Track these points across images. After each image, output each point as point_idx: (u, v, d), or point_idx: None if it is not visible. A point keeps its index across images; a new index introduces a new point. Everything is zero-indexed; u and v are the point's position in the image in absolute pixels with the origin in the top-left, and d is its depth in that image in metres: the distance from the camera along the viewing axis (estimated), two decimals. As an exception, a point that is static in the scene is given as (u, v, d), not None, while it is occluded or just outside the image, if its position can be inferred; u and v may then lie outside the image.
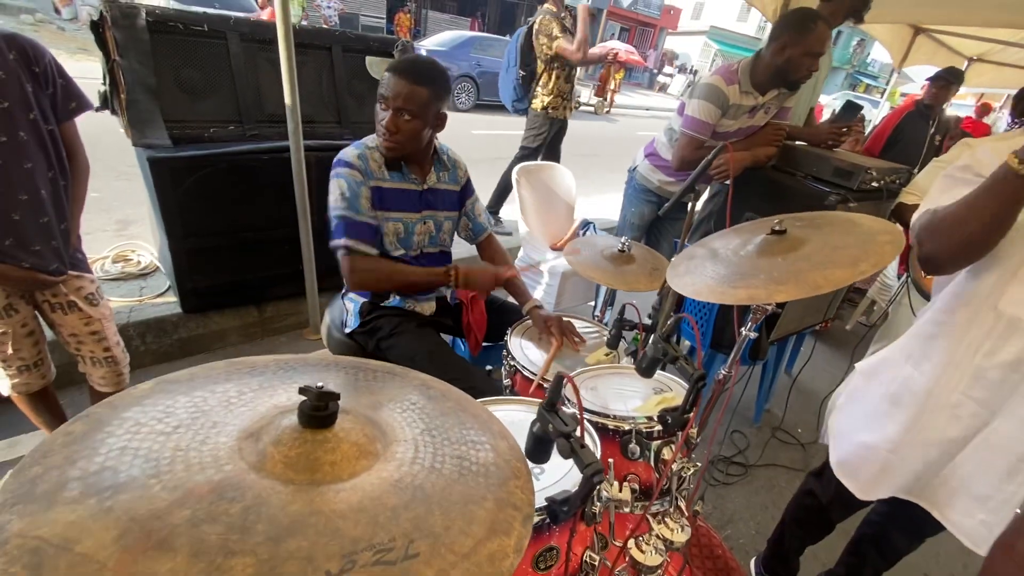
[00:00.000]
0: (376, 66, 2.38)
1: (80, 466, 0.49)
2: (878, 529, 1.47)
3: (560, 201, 2.89)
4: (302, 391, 0.56)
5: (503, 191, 3.68)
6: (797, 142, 2.25)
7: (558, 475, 0.86)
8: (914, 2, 3.46)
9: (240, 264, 2.19)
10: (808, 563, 1.82)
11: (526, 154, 3.51)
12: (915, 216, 1.07)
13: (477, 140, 7.99)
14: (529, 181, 2.73)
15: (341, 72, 2.28)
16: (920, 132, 3.40)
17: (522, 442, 0.73)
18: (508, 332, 1.53)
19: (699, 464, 1.02)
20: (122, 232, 3.18)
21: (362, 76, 2.36)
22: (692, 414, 0.93)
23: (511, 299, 1.69)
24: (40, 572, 0.39)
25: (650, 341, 0.99)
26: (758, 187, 2.15)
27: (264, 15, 7.17)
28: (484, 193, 3.69)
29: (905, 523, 1.36)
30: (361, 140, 1.45)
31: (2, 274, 1.20)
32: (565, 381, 0.69)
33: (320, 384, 0.56)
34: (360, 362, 0.79)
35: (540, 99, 3.39)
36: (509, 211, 3.84)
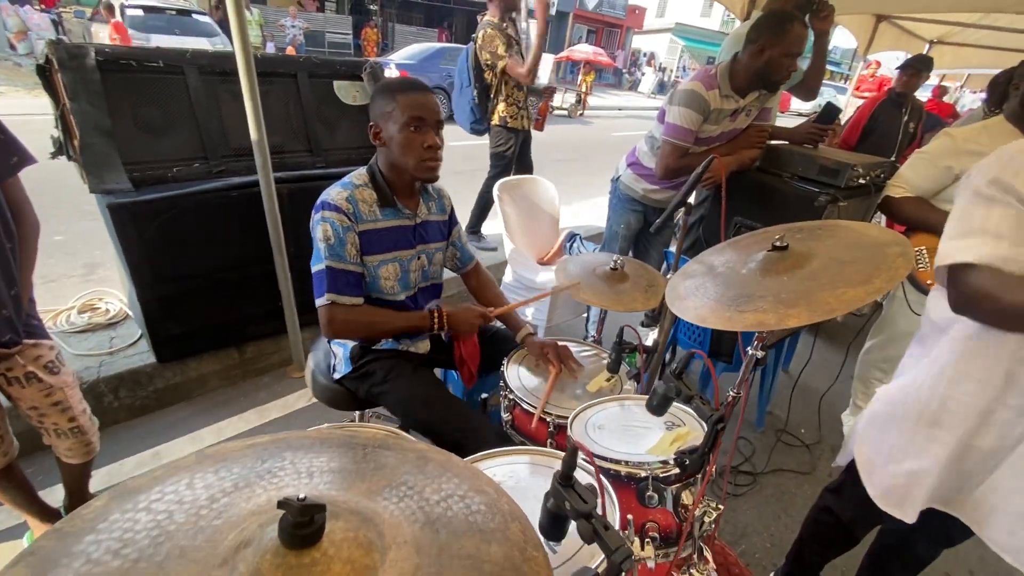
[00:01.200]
0: (345, 90, 2.30)
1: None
2: (900, 539, 1.43)
3: (544, 214, 2.83)
4: (281, 504, 0.48)
5: (483, 208, 3.61)
6: (778, 142, 2.22)
7: (573, 548, 0.78)
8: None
9: (215, 306, 2.08)
10: (826, 573, 1.77)
11: (498, 170, 3.42)
12: (955, 246, 0.96)
13: (452, 152, 7.88)
14: (512, 197, 2.67)
15: (309, 99, 2.19)
16: (894, 120, 3.42)
17: (528, 505, 0.67)
18: (504, 362, 1.47)
19: (722, 508, 0.95)
20: (89, 276, 3.04)
21: (330, 102, 2.27)
22: (714, 457, 0.87)
23: (504, 327, 1.62)
24: None
25: (658, 377, 0.93)
26: (744, 190, 2.11)
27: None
28: (465, 207, 3.62)
29: (932, 532, 1.31)
30: (346, 179, 1.36)
31: (-53, 352, 1.09)
32: (580, 452, 0.62)
33: (301, 496, 0.48)
34: (347, 437, 0.71)
35: (496, 113, 3.29)
36: (491, 226, 3.77)
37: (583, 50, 14.51)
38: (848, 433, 1.41)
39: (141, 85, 1.81)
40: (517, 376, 1.44)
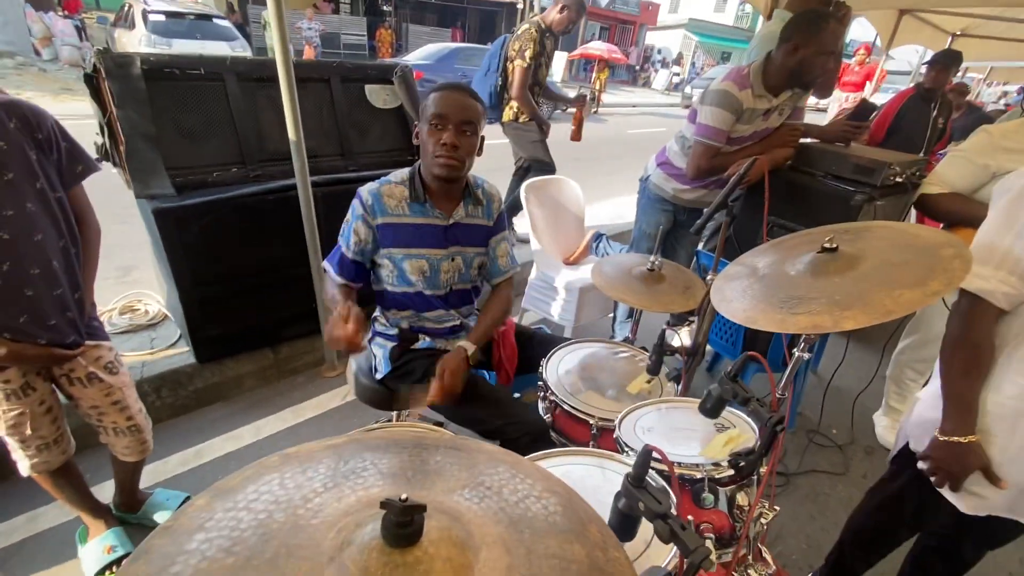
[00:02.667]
0: (375, 94, 2.33)
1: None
2: (944, 540, 1.41)
3: (570, 214, 2.84)
4: (383, 505, 0.50)
5: (511, 209, 3.61)
6: (810, 140, 2.21)
7: (639, 549, 0.80)
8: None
9: (252, 308, 2.13)
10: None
11: (540, 164, 3.39)
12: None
13: (491, 149, 7.94)
14: (538, 197, 2.68)
15: (341, 103, 2.23)
16: (923, 116, 3.36)
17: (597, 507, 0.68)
18: (543, 364, 1.48)
19: (778, 508, 0.96)
20: (124, 279, 3.12)
21: (362, 106, 2.30)
22: (772, 460, 0.88)
23: (543, 328, 1.63)
24: None
25: (715, 381, 0.94)
26: (777, 189, 2.09)
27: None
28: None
29: (979, 534, 1.30)
30: (387, 176, 1.42)
31: (19, 353, 1.13)
32: (654, 453, 0.63)
33: (403, 497, 0.50)
34: (417, 438, 0.74)
35: (508, 109, 3.28)
36: (520, 224, 3.79)
37: (597, 47, 14.43)
38: (900, 433, 1.39)
39: (183, 92, 1.86)
40: (557, 377, 1.46)
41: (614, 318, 2.70)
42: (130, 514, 1.64)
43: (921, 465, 1.16)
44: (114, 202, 2.49)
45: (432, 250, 1.43)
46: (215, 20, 9.51)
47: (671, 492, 0.65)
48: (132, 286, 2.87)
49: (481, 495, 0.63)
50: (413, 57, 10.63)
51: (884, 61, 6.49)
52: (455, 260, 1.47)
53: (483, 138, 1.41)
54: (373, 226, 1.37)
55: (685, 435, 1.07)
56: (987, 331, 1.04)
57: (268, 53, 9.45)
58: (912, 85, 3.57)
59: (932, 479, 1.14)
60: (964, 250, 0.98)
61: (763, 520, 0.93)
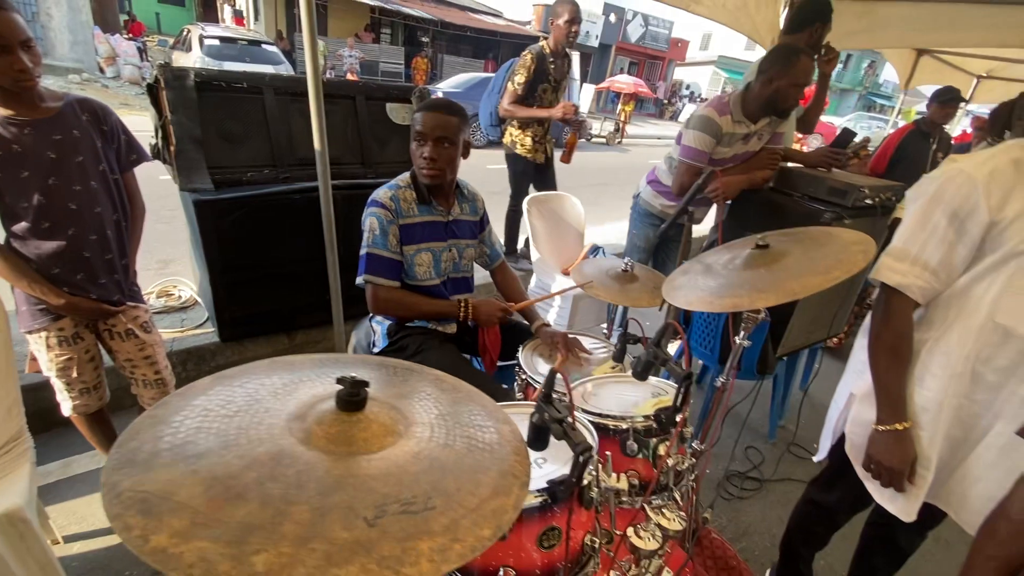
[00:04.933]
0: (396, 112, 2.59)
1: (167, 440, 0.61)
2: (883, 531, 1.50)
3: (570, 228, 3.03)
4: (339, 380, 0.68)
5: (509, 229, 3.71)
6: (794, 164, 2.37)
7: (559, 464, 0.95)
8: (909, 27, 3.60)
9: (273, 295, 2.36)
10: (825, 573, 1.84)
11: (512, 196, 3.49)
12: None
13: (492, 174, 8.21)
14: (540, 211, 2.88)
15: (364, 118, 2.49)
16: (923, 150, 3.47)
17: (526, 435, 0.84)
18: (520, 349, 1.65)
19: (694, 460, 1.10)
20: (163, 271, 3.42)
21: (383, 121, 2.57)
22: (684, 411, 1.03)
23: (524, 320, 1.81)
24: (148, 515, 0.51)
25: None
26: (757, 207, 2.25)
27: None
28: (499, 224, 3.82)
29: (913, 525, 1.37)
30: (393, 180, 1.63)
31: (75, 305, 1.37)
32: (558, 375, 0.80)
33: (353, 375, 0.68)
34: (384, 360, 0.92)
35: (508, 133, 3.34)
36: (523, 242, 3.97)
37: (624, 81, 14.87)
38: (826, 428, 1.51)
39: (227, 103, 2.14)
40: (531, 361, 1.63)
41: (606, 326, 2.84)
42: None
43: (863, 472, 1.25)
44: (160, 205, 2.80)
45: (435, 243, 1.66)
46: (263, 46, 10.24)
47: (570, 407, 0.80)
48: (169, 276, 3.16)
49: (422, 398, 0.81)
50: (445, 85, 11.18)
51: (901, 101, 6.59)
52: (452, 251, 1.70)
53: (468, 143, 1.62)
54: (398, 227, 1.58)
55: (625, 400, 1.22)
56: (906, 323, 1.16)
57: (310, 77, 10.11)
58: (913, 120, 3.69)
59: (877, 481, 1.21)
60: (870, 246, 1.13)
61: (679, 468, 1.07)
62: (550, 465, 0.95)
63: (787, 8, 3.46)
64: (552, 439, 0.80)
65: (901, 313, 1.14)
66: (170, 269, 3.44)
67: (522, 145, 3.31)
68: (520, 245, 3.92)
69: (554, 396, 0.80)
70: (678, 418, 1.03)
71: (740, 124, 2.08)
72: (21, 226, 1.29)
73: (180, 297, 2.61)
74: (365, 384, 0.68)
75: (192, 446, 0.61)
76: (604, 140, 13.70)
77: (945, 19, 3.43)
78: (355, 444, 0.64)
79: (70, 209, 1.33)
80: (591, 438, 0.98)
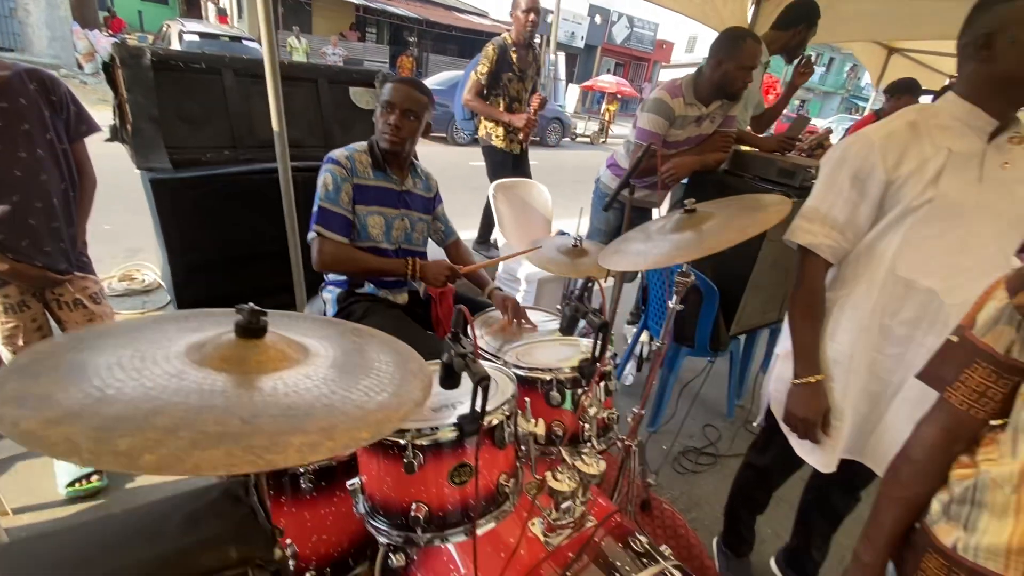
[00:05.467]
0: (360, 96, 2.62)
1: (65, 358, 0.64)
2: (818, 494, 1.56)
3: (537, 215, 3.07)
4: (237, 309, 0.71)
5: (486, 219, 3.76)
6: (748, 148, 2.43)
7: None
8: (870, 21, 3.70)
9: (234, 276, 2.37)
10: (773, 541, 1.89)
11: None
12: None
13: (474, 171, 8.27)
14: (506, 196, 2.92)
15: (327, 101, 2.51)
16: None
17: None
18: (472, 320, 1.68)
19: (616, 412, 1.14)
20: (131, 258, 3.41)
21: (346, 106, 2.59)
22: (603, 361, 1.07)
23: (481, 298, 1.84)
24: (25, 407, 0.53)
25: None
26: (711, 188, 2.30)
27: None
28: (476, 220, 3.86)
29: (841, 482, 1.42)
30: (351, 144, 1.70)
31: (20, 271, 1.38)
32: (463, 315, 0.84)
33: (251, 304, 0.71)
34: (303, 315, 0.95)
35: (483, 126, 3.37)
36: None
37: (607, 81, 15.01)
38: (763, 392, 1.56)
39: (185, 83, 2.15)
40: (481, 334, 1.66)
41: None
42: (104, 441, 1.84)
43: (784, 427, 1.31)
44: (131, 197, 2.79)
45: (387, 208, 1.71)
46: (244, 42, 10.19)
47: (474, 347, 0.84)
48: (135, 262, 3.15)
49: (333, 339, 0.84)
50: (429, 82, 11.18)
51: (873, 99, 6.74)
52: (404, 220, 1.76)
53: (429, 124, 1.71)
54: (352, 184, 1.64)
55: (556, 357, 1.26)
56: (818, 281, 1.22)
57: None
58: (871, 112, 3.78)
59: (793, 432, 1.29)
60: (784, 206, 1.18)
61: (600, 415, 1.11)
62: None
63: (754, 4, 3.56)
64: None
65: (814, 272, 1.20)
66: (139, 257, 3.42)
67: (496, 136, 3.36)
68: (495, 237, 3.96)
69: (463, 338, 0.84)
70: (597, 367, 1.07)
71: (692, 107, 2.14)
72: (-37, 192, 1.30)
73: (143, 280, 2.61)
74: (263, 313, 0.71)
75: (84, 365, 0.63)
76: (588, 139, 13.81)
77: (905, 12, 3.53)
78: (248, 365, 0.67)
79: (15, 176, 1.34)
80: (510, 386, 1.02)
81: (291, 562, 0.87)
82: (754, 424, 2.52)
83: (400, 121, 1.60)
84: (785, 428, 1.31)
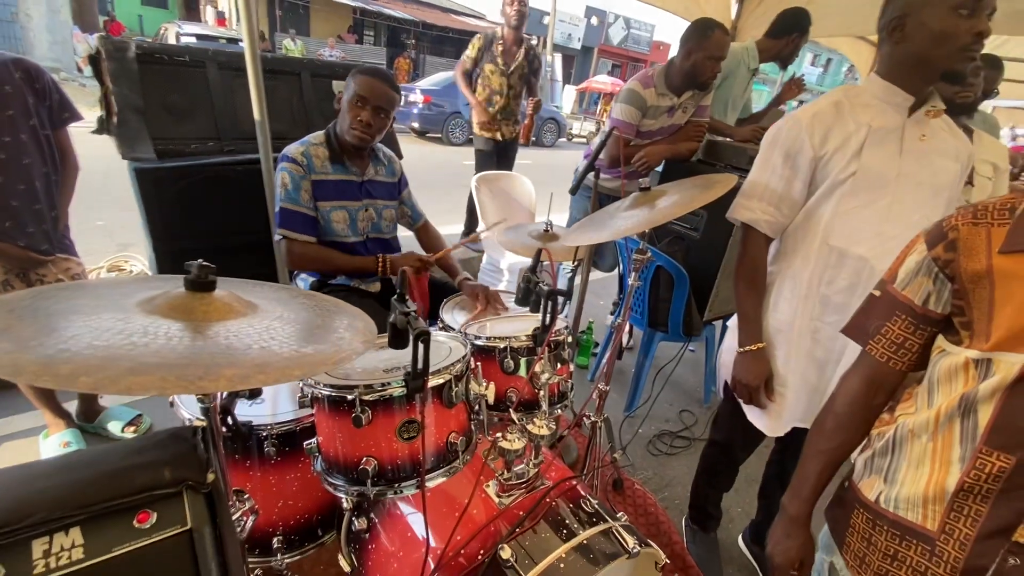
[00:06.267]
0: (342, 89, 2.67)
1: (25, 303, 0.69)
2: (777, 467, 1.60)
3: (519, 207, 3.12)
4: (186, 266, 0.76)
5: (471, 211, 3.87)
6: (722, 138, 2.49)
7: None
8: (849, 14, 3.76)
9: (218, 265, 2.41)
10: (742, 520, 1.94)
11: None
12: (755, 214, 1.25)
13: (468, 169, 8.32)
14: (489, 188, 2.98)
15: (310, 94, 2.57)
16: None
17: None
18: (442, 305, 1.73)
19: (570, 381, 1.19)
20: (121, 252, 3.46)
21: (329, 98, 2.64)
22: (553, 327, 1.12)
23: (452, 282, 1.89)
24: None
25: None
26: (682, 176, 2.35)
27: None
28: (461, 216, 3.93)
29: (798, 451, 1.47)
30: (305, 138, 1.69)
31: (2, 251, 1.43)
32: (406, 277, 0.89)
33: (201, 260, 0.76)
34: (265, 283, 1.00)
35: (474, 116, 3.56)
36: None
37: (602, 81, 15.08)
38: (719, 364, 1.61)
39: (170, 75, 2.20)
40: (452, 316, 1.71)
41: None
42: (88, 423, 1.89)
43: (732, 391, 1.37)
44: (123, 194, 2.86)
45: (349, 202, 1.72)
46: (242, 44, 10.24)
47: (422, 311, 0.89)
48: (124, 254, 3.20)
49: (285, 302, 0.89)
50: (424, 83, 11.24)
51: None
52: (368, 211, 1.77)
53: (394, 118, 1.73)
54: (310, 182, 1.64)
55: (515, 329, 1.31)
56: (759, 254, 1.27)
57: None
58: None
59: (739, 399, 1.34)
60: (729, 181, 1.23)
61: (548, 379, 1.16)
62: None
63: (737, 2, 3.62)
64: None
65: (754, 246, 1.26)
66: (128, 251, 3.47)
67: (477, 126, 3.51)
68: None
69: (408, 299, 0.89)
70: (548, 334, 1.12)
71: (664, 97, 2.19)
72: (-53, 174, 1.36)
73: (131, 272, 2.66)
74: (213, 269, 0.76)
75: (40, 309, 0.68)
76: (584, 139, 13.88)
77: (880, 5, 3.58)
78: (195, 314, 0.72)
79: (-2, 160, 1.40)
80: (462, 350, 1.06)
81: (251, 519, 0.91)
82: (712, 390, 2.57)
83: (372, 118, 1.60)
84: (733, 394, 1.37)
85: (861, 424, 0.88)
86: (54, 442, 1.75)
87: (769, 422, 1.30)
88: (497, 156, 3.64)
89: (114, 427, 1.89)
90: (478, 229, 2.91)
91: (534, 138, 11.81)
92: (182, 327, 0.68)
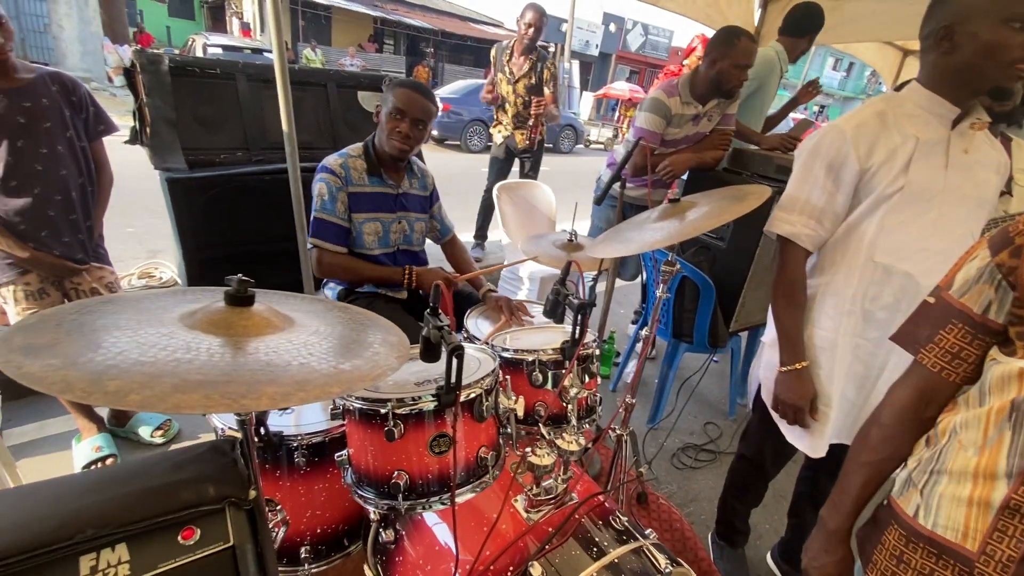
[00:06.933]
0: (368, 100, 2.70)
1: (69, 318, 0.70)
2: (809, 484, 1.56)
3: (541, 215, 3.12)
4: (226, 280, 0.77)
5: (483, 214, 3.88)
6: (749, 146, 2.45)
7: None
8: (876, 21, 3.69)
9: (245, 272, 2.44)
10: (771, 537, 1.89)
11: (489, 179, 3.75)
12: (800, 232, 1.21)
13: (484, 177, 8.37)
14: (510, 197, 2.98)
15: (336, 105, 2.60)
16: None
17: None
18: (466, 314, 1.73)
19: (598, 395, 1.17)
20: (151, 259, 3.54)
21: (355, 109, 2.67)
22: (583, 341, 1.10)
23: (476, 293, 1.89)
24: (29, 355, 0.59)
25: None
26: (709, 186, 2.31)
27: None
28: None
29: (832, 470, 1.42)
30: (344, 150, 1.73)
31: (39, 260, 1.47)
32: (440, 290, 0.88)
33: (240, 275, 0.77)
34: (299, 295, 1.01)
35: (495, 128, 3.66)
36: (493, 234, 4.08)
37: (620, 88, 15.05)
38: (751, 378, 1.57)
39: (201, 87, 2.25)
40: (476, 324, 1.71)
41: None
42: (119, 427, 1.93)
43: (774, 414, 1.33)
44: (155, 202, 2.93)
45: (383, 214, 1.74)
46: (266, 54, 10.48)
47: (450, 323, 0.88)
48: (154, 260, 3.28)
49: (320, 315, 0.89)
50: (443, 91, 11.34)
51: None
52: (402, 223, 1.78)
53: (430, 130, 1.76)
54: (348, 193, 1.67)
55: (542, 341, 1.30)
56: (798, 270, 1.24)
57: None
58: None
59: (783, 418, 1.30)
60: (763, 192, 1.21)
61: (580, 395, 1.14)
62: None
63: (761, 7, 3.58)
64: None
65: (794, 261, 1.22)
66: (158, 257, 3.56)
67: (495, 131, 3.61)
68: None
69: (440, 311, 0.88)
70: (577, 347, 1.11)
71: (689, 105, 2.17)
72: (-9, 185, 1.40)
73: (161, 278, 2.72)
74: (251, 283, 0.77)
75: (84, 325, 0.69)
76: (602, 146, 13.85)
77: (911, 12, 3.51)
78: (234, 329, 0.73)
79: (36, 170, 1.43)
80: (492, 364, 1.06)
81: (282, 529, 0.92)
82: (740, 402, 2.52)
83: (411, 130, 1.63)
84: (775, 415, 1.33)
85: (909, 437, 0.84)
86: (86, 446, 1.78)
87: (811, 442, 1.27)
88: (505, 160, 3.69)
89: (144, 431, 1.92)
90: (510, 251, 2.91)
91: (549, 144, 11.79)
92: (222, 343, 0.68)
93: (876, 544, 0.83)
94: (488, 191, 3.59)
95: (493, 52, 3.42)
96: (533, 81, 3.39)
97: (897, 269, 1.11)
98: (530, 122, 3.40)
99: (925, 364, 0.80)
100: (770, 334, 1.35)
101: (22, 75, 1.44)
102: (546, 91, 3.38)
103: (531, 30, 3.21)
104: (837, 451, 1.29)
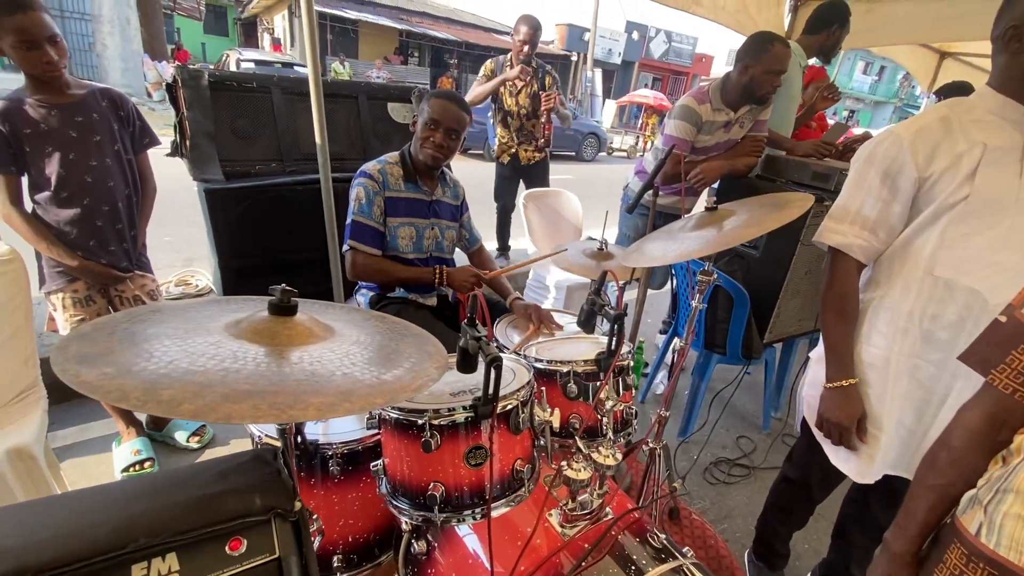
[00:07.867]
0: (397, 111, 2.74)
1: (121, 326, 0.72)
2: (858, 508, 1.49)
3: (567, 223, 3.10)
4: (270, 290, 0.78)
5: (500, 227, 3.83)
6: (781, 153, 2.40)
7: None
8: (912, 23, 3.59)
9: (276, 281, 2.48)
10: (809, 557, 1.82)
11: (500, 206, 3.69)
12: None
13: (509, 185, 8.38)
14: (536, 205, 2.97)
15: (367, 116, 2.65)
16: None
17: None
18: (496, 322, 1.72)
19: (633, 408, 1.15)
20: (187, 267, 3.65)
21: (385, 120, 2.72)
22: (619, 353, 1.08)
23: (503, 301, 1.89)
24: (84, 363, 0.60)
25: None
26: (741, 192, 2.27)
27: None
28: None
29: (883, 495, 1.34)
30: (382, 157, 1.78)
31: (87, 268, 1.53)
32: (478, 300, 0.88)
33: (284, 285, 0.78)
34: (336, 304, 1.01)
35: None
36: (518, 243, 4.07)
37: (643, 95, 14.99)
38: (797, 399, 1.52)
39: (238, 101, 2.32)
40: (505, 332, 1.70)
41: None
42: (156, 432, 1.98)
43: (818, 433, 1.27)
44: (191, 212, 3.03)
45: (418, 219, 1.78)
46: (296, 67, 10.79)
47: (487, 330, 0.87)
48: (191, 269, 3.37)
49: (360, 324, 0.90)
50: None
51: (924, 105, 6.45)
52: (434, 229, 1.82)
53: (464, 138, 1.78)
54: (384, 198, 1.71)
55: (576, 351, 1.28)
56: (850, 282, 1.18)
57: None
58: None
59: (827, 437, 1.24)
60: (807, 201, 1.17)
61: (616, 408, 1.12)
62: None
63: (792, 12, 3.52)
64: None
65: (845, 273, 1.16)
66: (193, 265, 3.66)
67: (501, 151, 3.53)
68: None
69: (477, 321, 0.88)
70: (613, 359, 1.09)
71: (720, 112, 2.14)
72: (43, 195, 1.46)
73: (197, 286, 2.79)
74: (295, 293, 0.78)
75: (136, 334, 0.71)
76: (625, 153, 13.79)
77: (950, 13, 3.41)
78: (278, 338, 0.73)
79: (86, 181, 1.49)
80: (527, 375, 1.04)
81: (317, 539, 0.92)
82: (792, 436, 2.43)
83: (445, 140, 1.67)
84: (819, 434, 1.27)
85: (979, 462, 0.79)
86: (126, 450, 1.83)
87: (859, 466, 1.20)
88: (511, 175, 3.57)
89: (180, 436, 1.97)
90: (555, 279, 2.89)
91: (571, 152, 11.79)
92: (266, 352, 0.69)
93: (938, 563, 0.78)
94: (501, 208, 3.62)
95: (491, 66, 3.35)
96: (535, 88, 3.39)
97: (960, 284, 1.04)
98: (542, 119, 3.38)
99: (996, 386, 0.76)
100: (817, 349, 1.30)
101: (74, 91, 1.50)
102: (553, 91, 3.37)
103: (526, 47, 3.20)
104: (890, 479, 1.23)
